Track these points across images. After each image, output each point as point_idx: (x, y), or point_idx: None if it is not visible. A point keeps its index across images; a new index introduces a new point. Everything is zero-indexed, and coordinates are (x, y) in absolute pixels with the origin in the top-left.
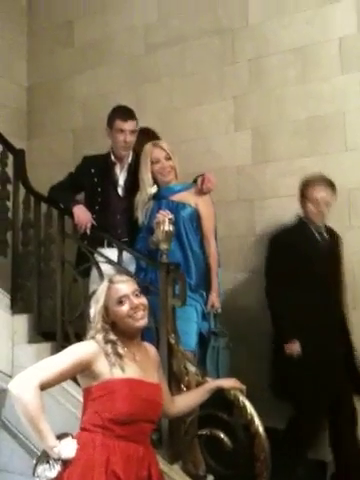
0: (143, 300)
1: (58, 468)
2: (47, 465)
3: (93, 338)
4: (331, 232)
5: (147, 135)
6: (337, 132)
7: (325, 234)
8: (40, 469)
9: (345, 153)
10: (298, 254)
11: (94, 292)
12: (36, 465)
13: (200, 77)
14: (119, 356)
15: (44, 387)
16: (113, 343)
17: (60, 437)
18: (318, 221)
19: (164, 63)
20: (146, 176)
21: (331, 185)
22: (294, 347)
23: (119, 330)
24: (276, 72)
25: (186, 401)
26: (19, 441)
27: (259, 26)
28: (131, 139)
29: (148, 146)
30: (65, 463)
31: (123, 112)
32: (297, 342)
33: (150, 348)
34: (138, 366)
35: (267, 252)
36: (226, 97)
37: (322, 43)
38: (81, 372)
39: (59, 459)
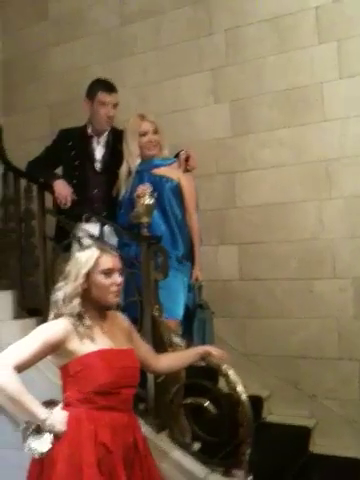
0: (122, 280)
1: (50, 441)
2: (39, 436)
3: (70, 302)
4: None
5: None
6: (315, 103)
7: None
8: (32, 441)
9: (323, 124)
10: None
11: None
12: (26, 434)
13: (177, 49)
14: (88, 327)
15: (19, 370)
16: (80, 316)
17: (48, 404)
18: None
19: (140, 35)
20: (133, 147)
21: None
22: None
23: (91, 299)
24: (253, 43)
25: (171, 360)
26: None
27: None
28: (114, 113)
29: (136, 118)
30: (56, 436)
31: (106, 84)
32: None
33: (116, 315)
34: (107, 336)
35: None
36: (204, 69)
37: (298, 13)
38: (52, 352)
39: (51, 432)
